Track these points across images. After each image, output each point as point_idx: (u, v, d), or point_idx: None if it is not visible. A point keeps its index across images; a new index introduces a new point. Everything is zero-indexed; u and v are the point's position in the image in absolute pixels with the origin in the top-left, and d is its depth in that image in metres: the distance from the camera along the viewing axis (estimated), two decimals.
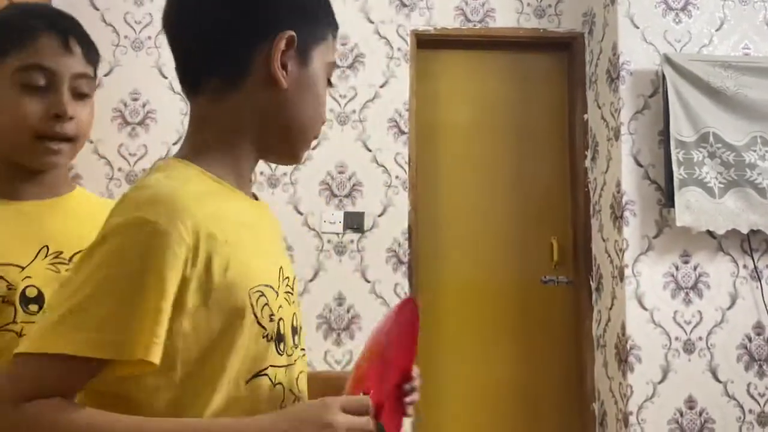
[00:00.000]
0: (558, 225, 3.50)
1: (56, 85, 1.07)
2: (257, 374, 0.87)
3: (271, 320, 0.89)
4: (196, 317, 0.82)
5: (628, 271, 3.09)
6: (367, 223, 3.21)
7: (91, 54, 1.14)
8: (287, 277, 0.96)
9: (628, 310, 3.07)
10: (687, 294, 3.12)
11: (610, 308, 3.22)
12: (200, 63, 0.92)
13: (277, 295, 0.91)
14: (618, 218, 3.16)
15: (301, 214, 3.18)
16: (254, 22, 0.90)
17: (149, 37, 3.22)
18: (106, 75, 3.16)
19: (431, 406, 3.30)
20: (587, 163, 3.48)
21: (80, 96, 1.11)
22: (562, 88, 3.62)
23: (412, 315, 1.03)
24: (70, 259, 1.09)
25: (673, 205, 3.03)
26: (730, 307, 3.13)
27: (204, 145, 0.92)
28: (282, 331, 0.91)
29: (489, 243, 3.46)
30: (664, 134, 3.10)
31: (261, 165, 3.18)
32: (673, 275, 3.12)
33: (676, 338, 3.09)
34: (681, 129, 3.05)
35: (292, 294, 0.97)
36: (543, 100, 3.60)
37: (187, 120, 3.08)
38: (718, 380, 3.09)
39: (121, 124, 3.16)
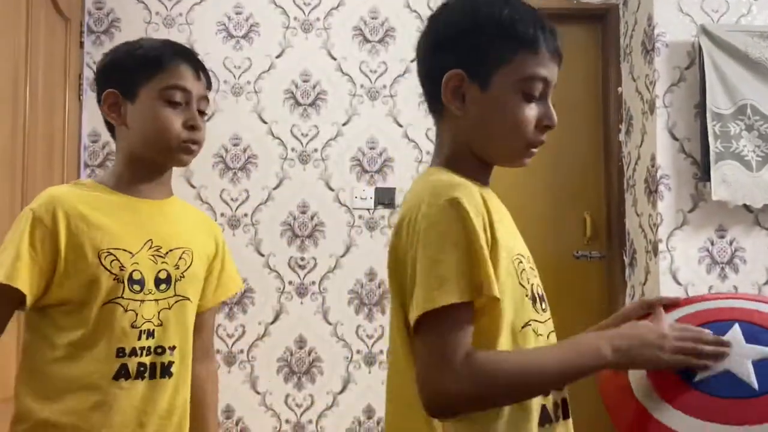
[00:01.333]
0: (591, 200, 3.47)
1: (190, 103, 1.37)
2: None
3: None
4: None
5: (662, 246, 3.06)
6: (398, 198, 3.20)
7: (209, 82, 1.44)
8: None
9: (662, 285, 3.04)
10: (722, 269, 3.08)
11: (644, 283, 3.20)
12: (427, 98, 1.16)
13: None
14: (652, 192, 3.13)
15: (332, 190, 3.19)
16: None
17: (180, 14, 3.22)
18: None
19: None
20: (621, 137, 3.44)
21: (201, 113, 1.41)
22: (596, 61, 3.57)
23: None
24: (166, 254, 1.37)
25: (709, 179, 2.98)
26: (766, 282, 3.09)
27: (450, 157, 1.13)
28: None
29: (521, 218, 3.38)
30: (701, 107, 3.04)
31: (292, 141, 3.19)
32: (708, 250, 3.09)
33: None
34: (718, 101, 2.99)
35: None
36: (576, 73, 3.55)
37: (219, 96, 3.06)
38: None
39: None
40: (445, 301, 0.94)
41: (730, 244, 3.10)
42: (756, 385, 1.03)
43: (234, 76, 3.20)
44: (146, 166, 1.39)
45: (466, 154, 1.11)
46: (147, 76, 1.34)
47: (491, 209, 1.04)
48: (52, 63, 2.80)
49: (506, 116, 1.07)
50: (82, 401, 1.28)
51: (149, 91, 1.34)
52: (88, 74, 3.11)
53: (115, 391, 1.29)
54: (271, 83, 3.22)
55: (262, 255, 3.14)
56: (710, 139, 2.97)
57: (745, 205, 3.03)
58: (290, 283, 3.14)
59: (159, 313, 1.35)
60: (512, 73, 1.05)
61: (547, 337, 1.13)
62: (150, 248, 1.35)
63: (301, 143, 3.21)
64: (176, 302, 1.38)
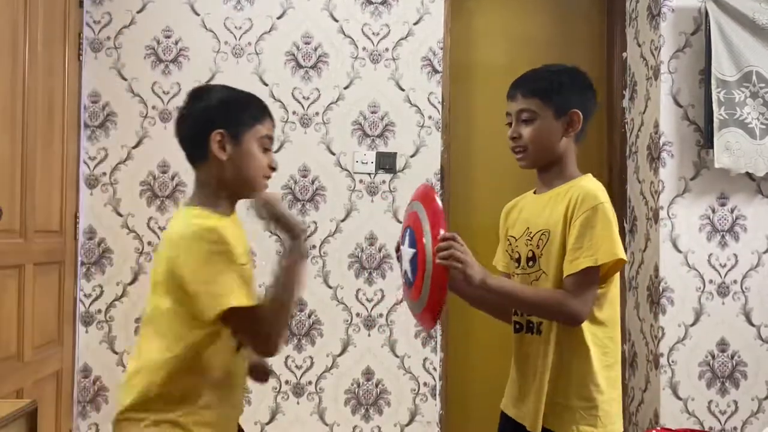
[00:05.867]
0: (593, 166, 3.45)
1: (270, 148, 1.71)
2: None
3: None
4: None
5: (663, 213, 3.06)
6: (400, 163, 3.19)
7: None
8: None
9: (662, 252, 3.04)
10: (723, 237, 3.08)
11: (644, 250, 3.20)
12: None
13: None
14: (655, 159, 3.11)
15: (333, 154, 3.18)
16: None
17: None
18: (138, 12, 3.15)
19: (461, 343, 3.34)
20: (625, 102, 3.41)
21: None
22: (600, 25, 3.53)
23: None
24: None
25: (712, 147, 2.97)
26: (767, 251, 3.09)
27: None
28: None
29: (522, 184, 3.39)
30: (705, 73, 3.02)
31: (293, 104, 3.17)
32: (709, 218, 3.08)
33: (710, 281, 3.07)
34: (723, 68, 2.97)
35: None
36: (581, 38, 3.51)
37: (219, 57, 3.03)
38: (751, 323, 3.07)
39: (155, 61, 3.15)
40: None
41: (732, 212, 3.09)
42: (411, 277, 1.66)
43: (235, 37, 3.16)
44: (231, 193, 1.71)
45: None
46: (251, 125, 1.67)
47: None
48: (51, 21, 2.77)
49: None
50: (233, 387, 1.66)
51: (251, 137, 1.66)
52: (88, 33, 3.08)
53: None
54: (272, 45, 3.19)
55: (262, 219, 3.14)
56: (714, 106, 2.95)
57: (747, 173, 3.02)
58: None
59: None
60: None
61: None
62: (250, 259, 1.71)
63: (302, 106, 3.19)
64: None
